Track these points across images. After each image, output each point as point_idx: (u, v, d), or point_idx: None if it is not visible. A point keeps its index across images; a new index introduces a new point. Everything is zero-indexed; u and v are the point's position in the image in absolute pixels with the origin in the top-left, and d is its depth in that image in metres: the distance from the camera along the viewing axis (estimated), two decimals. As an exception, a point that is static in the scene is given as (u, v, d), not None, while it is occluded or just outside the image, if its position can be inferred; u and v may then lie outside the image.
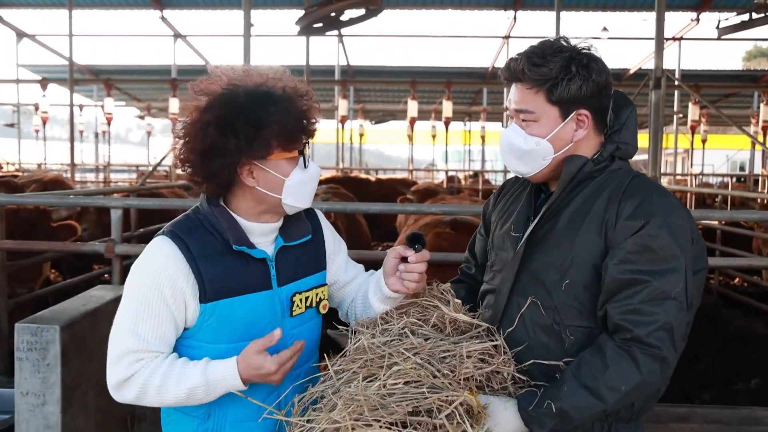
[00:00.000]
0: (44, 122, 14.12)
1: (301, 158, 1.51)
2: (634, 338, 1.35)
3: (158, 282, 1.44)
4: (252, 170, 1.48)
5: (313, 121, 1.53)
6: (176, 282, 1.45)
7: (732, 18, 9.08)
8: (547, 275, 1.49)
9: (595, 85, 1.48)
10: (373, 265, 1.89)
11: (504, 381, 1.39)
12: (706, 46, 31.45)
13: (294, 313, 1.57)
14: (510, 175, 1.80)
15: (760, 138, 14.03)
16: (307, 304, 1.60)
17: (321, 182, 8.96)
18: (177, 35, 15.15)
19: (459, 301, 1.55)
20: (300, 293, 1.58)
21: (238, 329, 1.49)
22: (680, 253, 1.38)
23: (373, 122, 16.54)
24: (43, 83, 12.79)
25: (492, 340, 1.45)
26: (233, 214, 1.53)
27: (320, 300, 1.64)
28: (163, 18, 14.30)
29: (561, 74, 1.46)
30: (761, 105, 12.44)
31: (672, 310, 1.36)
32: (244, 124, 1.42)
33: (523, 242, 1.52)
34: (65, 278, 5.36)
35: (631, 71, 16.44)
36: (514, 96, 1.54)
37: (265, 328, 1.50)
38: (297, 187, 1.50)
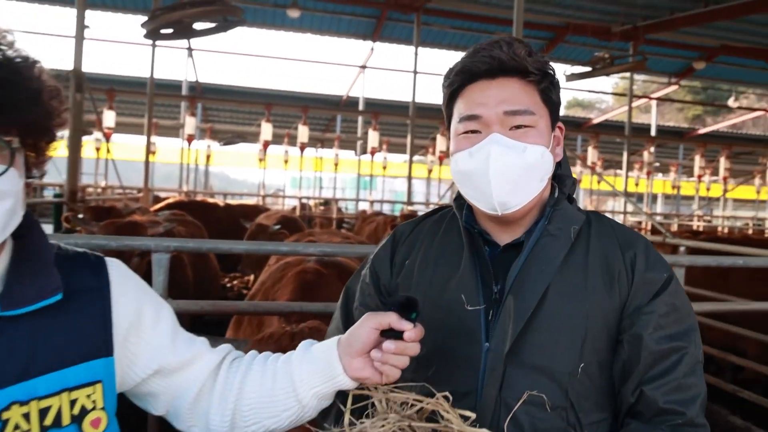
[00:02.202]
0: None
1: None
2: (687, 423, 1.09)
3: None
4: None
5: None
6: None
7: (569, 69, 10.13)
8: (555, 362, 1.09)
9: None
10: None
11: None
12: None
13: None
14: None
15: (586, 177, 15.51)
16: (47, 422, 0.92)
17: (163, 207, 8.11)
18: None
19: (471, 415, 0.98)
20: (24, 403, 0.90)
21: None
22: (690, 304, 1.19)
23: (222, 143, 15.55)
24: None
25: None
26: None
27: (84, 411, 0.96)
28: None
29: (552, 71, 1.16)
30: (589, 148, 13.60)
31: (702, 375, 1.14)
32: None
33: (513, 325, 1.10)
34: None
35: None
36: (500, 94, 1.12)
37: None
38: None
